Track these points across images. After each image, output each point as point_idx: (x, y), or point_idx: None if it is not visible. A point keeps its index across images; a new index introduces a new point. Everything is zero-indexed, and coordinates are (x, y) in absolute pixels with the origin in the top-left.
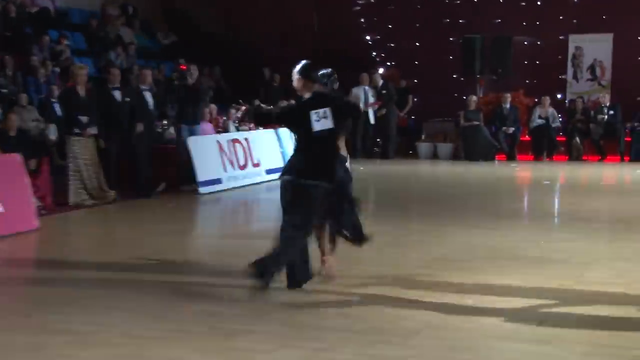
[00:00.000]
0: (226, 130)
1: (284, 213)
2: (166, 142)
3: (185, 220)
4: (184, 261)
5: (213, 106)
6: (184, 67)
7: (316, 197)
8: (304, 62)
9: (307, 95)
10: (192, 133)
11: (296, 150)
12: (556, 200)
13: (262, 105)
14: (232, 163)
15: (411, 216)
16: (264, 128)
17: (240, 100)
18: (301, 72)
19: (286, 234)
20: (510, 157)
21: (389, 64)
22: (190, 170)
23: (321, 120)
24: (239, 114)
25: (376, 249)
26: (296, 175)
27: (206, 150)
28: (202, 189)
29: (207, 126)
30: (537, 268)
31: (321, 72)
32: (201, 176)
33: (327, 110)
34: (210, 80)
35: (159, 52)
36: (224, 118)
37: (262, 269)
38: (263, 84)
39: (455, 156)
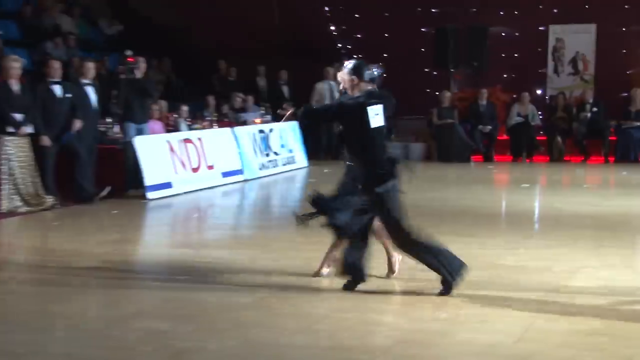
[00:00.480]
0: (177, 129)
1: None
2: (111, 142)
3: (131, 228)
4: (130, 274)
5: (163, 102)
6: (132, 60)
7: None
8: (356, 61)
9: (357, 93)
10: (140, 132)
11: (358, 153)
12: (536, 204)
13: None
14: (183, 165)
15: None
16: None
17: (285, 105)
18: (355, 72)
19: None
20: (487, 158)
21: (356, 56)
22: (137, 173)
23: (375, 117)
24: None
25: None
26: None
27: (155, 151)
28: (151, 194)
29: (156, 124)
30: (516, 278)
31: (369, 71)
32: (149, 179)
33: (381, 107)
34: (160, 73)
35: (102, 42)
36: (175, 115)
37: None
38: (218, 78)
39: (427, 157)
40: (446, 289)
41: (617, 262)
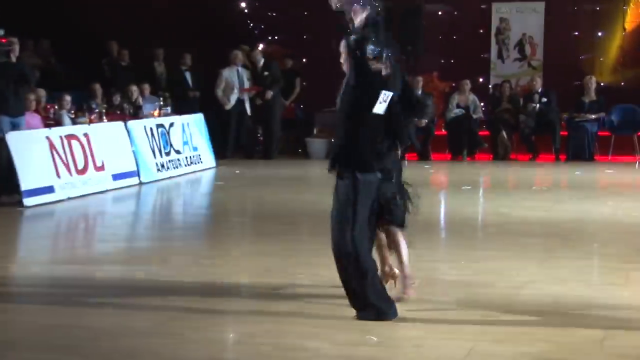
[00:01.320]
0: (59, 123)
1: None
2: None
3: (4, 241)
4: (3, 296)
5: (41, 91)
6: (4, 40)
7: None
8: (360, 33)
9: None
10: (15, 127)
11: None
12: (480, 210)
13: None
14: (67, 166)
15: (301, 233)
16: None
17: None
18: (357, 46)
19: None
20: (423, 156)
21: (270, 38)
22: (11, 175)
23: (382, 103)
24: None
25: (255, 275)
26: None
27: (33, 150)
28: (28, 200)
29: (34, 118)
30: (457, 295)
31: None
32: (26, 183)
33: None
34: (37, 57)
35: None
36: (56, 107)
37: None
38: (108, 63)
39: None
40: (360, 315)
41: (569, 275)
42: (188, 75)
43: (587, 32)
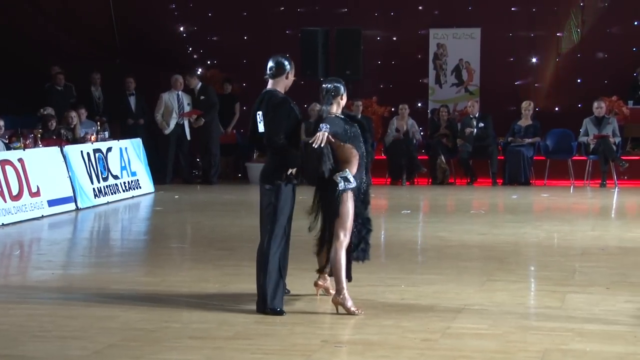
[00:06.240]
0: None
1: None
2: None
3: None
4: None
5: None
6: None
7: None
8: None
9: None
10: None
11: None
12: (419, 234)
13: None
14: (1, 192)
15: (241, 258)
16: None
17: None
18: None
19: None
20: None
21: (209, 62)
22: None
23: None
24: None
25: (194, 301)
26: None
27: None
28: None
29: None
30: (396, 318)
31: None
32: None
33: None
34: None
35: None
36: None
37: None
38: (49, 88)
39: None
40: (259, 308)
41: (506, 298)
42: (132, 100)
43: (522, 57)
